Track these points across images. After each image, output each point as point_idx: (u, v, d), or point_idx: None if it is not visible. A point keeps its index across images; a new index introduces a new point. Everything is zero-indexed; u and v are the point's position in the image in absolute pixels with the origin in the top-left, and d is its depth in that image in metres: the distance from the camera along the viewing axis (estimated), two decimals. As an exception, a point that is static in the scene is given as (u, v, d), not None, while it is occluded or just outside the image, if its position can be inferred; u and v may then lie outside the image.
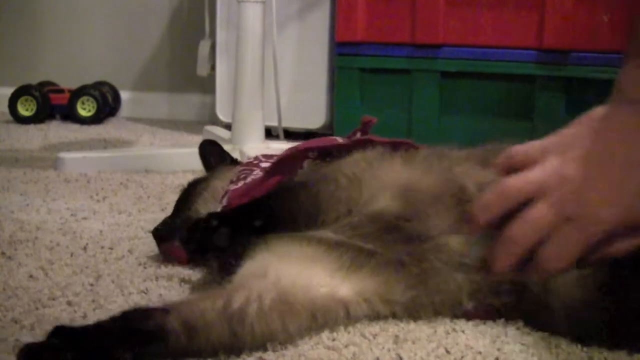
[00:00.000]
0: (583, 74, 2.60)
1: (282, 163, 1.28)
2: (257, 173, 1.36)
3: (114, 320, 0.97)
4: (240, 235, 1.16)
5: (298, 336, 1.08)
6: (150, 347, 0.95)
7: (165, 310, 0.99)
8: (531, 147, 1.13)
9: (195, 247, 1.19)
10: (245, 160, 1.53)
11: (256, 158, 1.46)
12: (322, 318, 1.10)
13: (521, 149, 1.14)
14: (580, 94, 2.62)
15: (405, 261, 1.14)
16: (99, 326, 0.96)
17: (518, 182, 1.09)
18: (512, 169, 1.12)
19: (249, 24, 2.40)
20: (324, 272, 1.12)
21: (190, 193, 1.50)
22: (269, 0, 2.63)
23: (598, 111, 1.11)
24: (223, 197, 1.35)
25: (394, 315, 1.16)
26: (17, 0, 4.06)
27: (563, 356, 1.06)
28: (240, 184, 1.34)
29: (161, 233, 1.46)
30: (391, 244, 1.15)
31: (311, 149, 1.29)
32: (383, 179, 1.20)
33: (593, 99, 2.54)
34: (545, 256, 1.07)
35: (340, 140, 1.32)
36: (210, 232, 1.15)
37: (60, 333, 0.93)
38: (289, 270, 1.10)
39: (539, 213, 1.07)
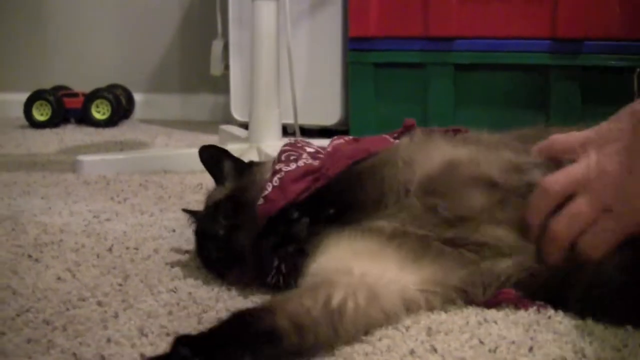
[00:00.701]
0: (597, 62, 2.60)
1: (336, 164, 1.27)
2: (307, 157, 1.33)
3: (226, 324, 0.98)
4: (316, 225, 1.16)
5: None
6: (267, 348, 0.95)
7: (269, 310, 0.99)
8: (571, 137, 1.17)
9: (275, 241, 1.18)
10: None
11: (298, 142, 1.42)
12: (406, 312, 1.12)
13: (561, 138, 1.18)
14: (595, 83, 2.62)
15: (454, 246, 1.16)
16: (216, 331, 0.97)
17: (559, 181, 1.14)
18: (552, 155, 1.18)
19: (263, 21, 2.40)
20: (394, 265, 1.13)
21: (241, 205, 1.33)
22: (282, -2, 2.63)
23: (637, 105, 1.12)
24: (273, 175, 1.29)
25: (451, 301, 1.18)
26: (28, 6, 4.08)
27: (597, 343, 1.06)
28: (293, 165, 1.29)
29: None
30: (436, 226, 1.17)
31: (367, 154, 1.27)
32: (433, 158, 1.22)
33: (608, 88, 2.55)
34: (584, 245, 1.12)
35: (391, 139, 1.33)
36: (291, 223, 1.15)
37: (183, 342, 0.93)
38: (369, 267, 1.11)
39: (578, 208, 1.12)
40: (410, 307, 1.13)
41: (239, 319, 0.99)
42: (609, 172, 1.11)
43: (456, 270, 1.15)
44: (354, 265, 1.10)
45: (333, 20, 3.13)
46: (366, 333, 1.07)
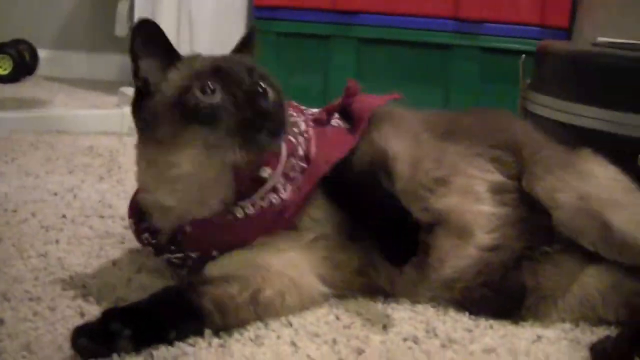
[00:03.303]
0: (495, 44, 2.65)
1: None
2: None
3: (155, 300, 1.04)
4: None
5: None
6: (191, 326, 1.04)
7: (197, 291, 1.06)
8: None
9: None
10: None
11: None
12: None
13: None
14: (492, 64, 2.67)
15: None
16: (145, 306, 1.03)
17: None
18: None
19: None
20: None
21: None
22: (187, -38, 2.60)
23: None
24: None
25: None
26: None
27: (450, 323, 1.10)
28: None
29: None
30: None
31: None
32: None
33: (504, 69, 2.58)
34: None
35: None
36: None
37: (112, 315, 0.99)
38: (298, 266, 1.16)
39: None
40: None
41: (168, 296, 1.05)
42: None
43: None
44: (283, 265, 1.14)
45: (239, -13, 3.11)
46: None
